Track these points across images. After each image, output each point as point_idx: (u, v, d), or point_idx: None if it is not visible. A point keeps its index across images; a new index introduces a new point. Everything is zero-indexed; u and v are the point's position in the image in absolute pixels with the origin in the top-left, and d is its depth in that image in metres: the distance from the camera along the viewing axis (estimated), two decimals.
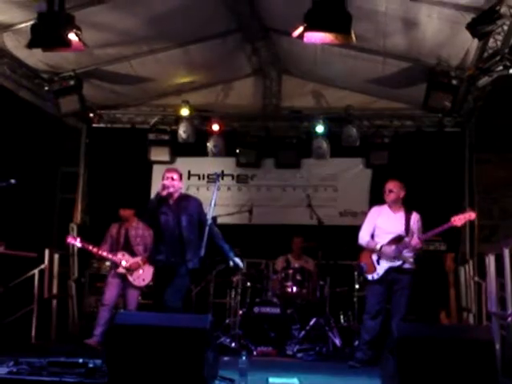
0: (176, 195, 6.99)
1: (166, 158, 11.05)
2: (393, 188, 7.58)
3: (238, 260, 7.13)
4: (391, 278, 7.40)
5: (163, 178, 6.93)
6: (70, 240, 9.32)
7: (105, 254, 8.84)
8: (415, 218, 7.51)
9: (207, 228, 6.52)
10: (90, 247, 8.89)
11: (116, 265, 8.80)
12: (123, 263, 8.74)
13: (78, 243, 9.13)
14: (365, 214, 10.62)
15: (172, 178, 6.94)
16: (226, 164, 11.02)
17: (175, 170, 7.16)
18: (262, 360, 8.04)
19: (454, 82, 8.60)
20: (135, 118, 11.32)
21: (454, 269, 9.44)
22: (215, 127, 10.89)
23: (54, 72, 9.36)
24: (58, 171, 11.73)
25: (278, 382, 5.83)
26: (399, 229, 7.46)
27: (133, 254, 8.85)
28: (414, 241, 7.28)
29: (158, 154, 11.07)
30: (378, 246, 7.40)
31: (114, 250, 8.89)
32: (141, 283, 8.79)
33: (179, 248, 6.82)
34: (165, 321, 5.22)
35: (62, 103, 9.51)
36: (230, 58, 10.09)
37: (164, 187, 6.86)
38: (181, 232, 6.84)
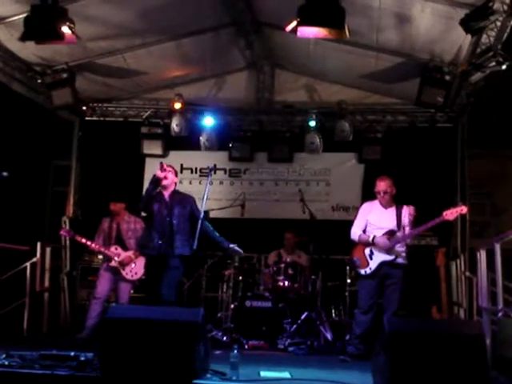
0: (170, 189, 7.29)
1: (159, 151, 11.05)
2: (387, 189, 7.59)
3: (235, 247, 7.48)
4: (384, 273, 7.43)
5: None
6: (62, 233, 9.32)
7: (97, 247, 8.85)
8: (405, 211, 7.54)
9: (200, 222, 6.75)
10: (84, 240, 8.89)
11: (109, 258, 8.80)
12: (116, 257, 8.75)
13: (70, 236, 9.16)
14: (357, 208, 10.69)
15: (158, 170, 7.22)
16: (219, 158, 10.97)
17: (170, 166, 7.39)
18: (253, 354, 8.04)
19: (447, 77, 8.61)
20: (128, 111, 11.30)
21: (446, 264, 9.46)
22: (208, 121, 10.90)
23: (46, 65, 9.33)
24: (51, 164, 11.74)
25: (269, 375, 5.83)
26: (391, 224, 7.49)
27: (125, 247, 8.86)
28: (407, 233, 7.39)
29: (151, 148, 11.06)
30: (371, 238, 7.43)
31: (106, 244, 8.90)
32: (133, 277, 8.79)
33: (169, 235, 7.06)
34: (156, 314, 5.23)
35: (54, 96, 9.48)
36: (223, 51, 10.07)
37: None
38: (171, 221, 7.10)
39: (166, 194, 7.25)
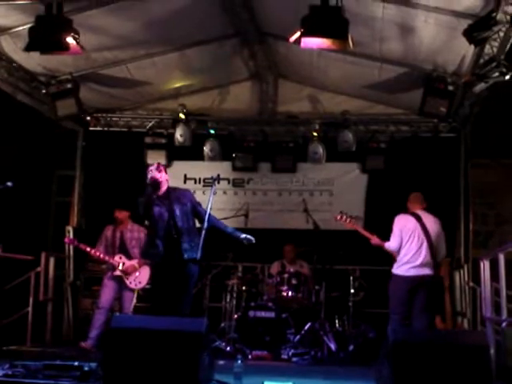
0: (164, 188, 6.83)
1: (163, 161, 11.00)
2: None
3: (247, 236, 7.03)
4: None
5: (150, 171, 6.75)
6: (67, 240, 9.30)
7: (102, 256, 8.83)
8: None
9: (203, 232, 6.44)
10: (88, 249, 8.89)
11: (113, 267, 8.80)
12: (120, 266, 8.74)
13: (74, 244, 9.17)
14: (360, 218, 10.74)
15: (151, 171, 6.76)
16: (222, 168, 10.96)
17: (154, 164, 7.01)
18: (257, 364, 8.06)
19: (450, 87, 8.63)
20: (132, 121, 11.31)
21: (449, 274, 9.45)
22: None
23: (51, 75, 9.35)
24: (54, 174, 11.75)
25: None
26: None
27: (129, 256, 8.86)
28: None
29: (155, 158, 11.00)
30: None
31: (109, 252, 8.89)
32: (137, 286, 8.80)
33: (174, 239, 6.67)
34: (160, 324, 5.22)
35: (58, 106, 9.50)
36: (226, 62, 10.10)
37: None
38: (175, 222, 6.70)
39: (161, 192, 6.78)
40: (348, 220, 8.29)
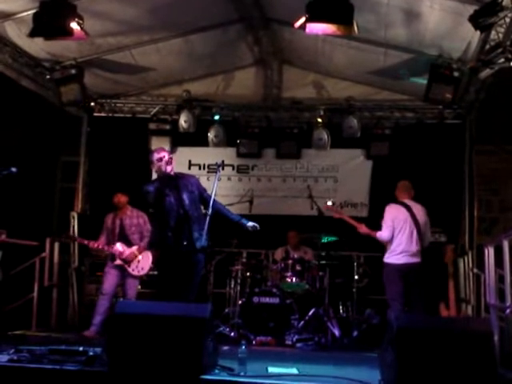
0: (171, 174, 6.72)
1: (167, 147, 10.98)
2: None
3: (254, 224, 6.95)
4: None
5: (159, 160, 6.66)
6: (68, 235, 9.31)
7: (101, 247, 8.83)
8: None
9: (208, 218, 6.37)
10: (86, 242, 8.90)
11: (113, 256, 8.79)
12: (120, 255, 8.73)
13: (74, 239, 9.22)
14: (365, 205, 10.72)
15: (160, 160, 6.67)
16: (227, 154, 10.96)
17: (161, 151, 6.84)
18: (261, 349, 8.07)
19: (456, 74, 8.60)
20: (136, 107, 11.32)
21: (454, 260, 9.44)
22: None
23: (55, 61, 9.36)
24: (59, 160, 11.75)
25: (277, 371, 5.84)
26: None
27: (129, 243, 8.83)
28: None
29: (159, 144, 10.93)
30: None
31: (110, 240, 8.86)
32: (140, 272, 8.79)
33: (185, 228, 6.51)
34: (165, 310, 5.23)
35: (63, 92, 9.51)
36: (231, 47, 10.08)
37: (164, 173, 6.65)
38: (185, 211, 6.54)
39: (169, 179, 6.66)
40: (335, 209, 8.73)
